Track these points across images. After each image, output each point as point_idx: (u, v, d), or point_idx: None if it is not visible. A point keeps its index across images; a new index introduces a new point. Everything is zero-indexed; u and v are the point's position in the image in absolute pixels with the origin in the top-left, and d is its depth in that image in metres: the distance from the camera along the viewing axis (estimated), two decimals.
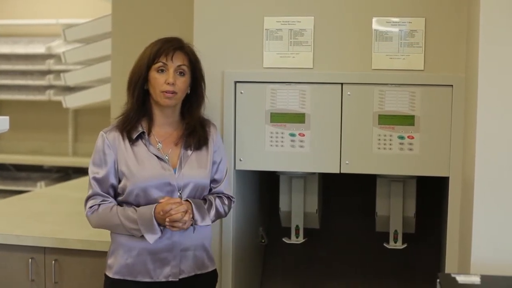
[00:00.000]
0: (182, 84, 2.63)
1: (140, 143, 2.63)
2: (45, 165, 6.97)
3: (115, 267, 2.64)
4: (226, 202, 2.73)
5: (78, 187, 4.82)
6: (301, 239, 3.21)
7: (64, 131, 7.05)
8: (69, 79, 5.84)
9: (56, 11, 6.90)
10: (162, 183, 2.59)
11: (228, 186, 2.77)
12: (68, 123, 7.04)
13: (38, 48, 6.70)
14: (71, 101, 6.08)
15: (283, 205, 3.21)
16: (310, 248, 3.39)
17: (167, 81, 2.59)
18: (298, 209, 3.17)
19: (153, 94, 2.63)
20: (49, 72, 6.65)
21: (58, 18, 6.69)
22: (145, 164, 2.60)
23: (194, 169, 2.64)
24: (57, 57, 6.45)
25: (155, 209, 2.54)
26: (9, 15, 7.08)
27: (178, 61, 2.62)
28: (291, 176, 3.13)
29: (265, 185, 3.35)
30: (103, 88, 5.49)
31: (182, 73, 2.63)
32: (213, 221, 2.68)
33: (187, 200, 2.59)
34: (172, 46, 2.63)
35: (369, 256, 3.41)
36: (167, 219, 2.51)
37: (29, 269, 3.22)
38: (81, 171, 6.70)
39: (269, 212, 3.42)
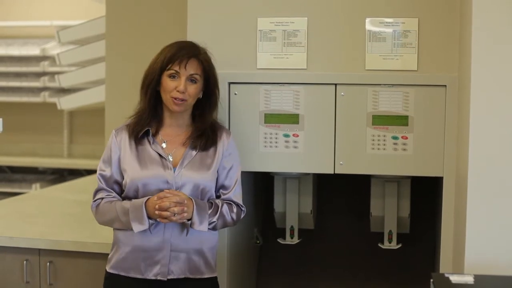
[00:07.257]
0: (193, 90, 2.62)
1: (145, 141, 2.65)
2: (40, 166, 6.96)
3: (112, 262, 2.68)
4: (235, 210, 2.69)
5: (73, 189, 4.82)
6: (295, 240, 3.21)
7: (59, 132, 7.05)
8: (64, 81, 5.83)
9: (51, 13, 6.89)
10: (160, 181, 2.60)
11: (238, 194, 2.72)
12: (63, 125, 7.03)
13: (33, 50, 6.69)
14: (66, 103, 6.07)
15: (277, 206, 3.21)
16: (305, 248, 3.39)
17: (178, 89, 2.59)
18: (293, 210, 3.17)
19: (163, 98, 2.64)
20: (43, 74, 6.64)
21: (52, 20, 6.69)
22: (146, 162, 2.63)
23: (195, 169, 2.63)
24: (51, 59, 6.45)
25: (148, 199, 2.56)
26: (3, 17, 7.07)
27: (191, 69, 2.61)
28: (286, 177, 3.13)
29: (259, 186, 3.34)
30: (97, 90, 5.48)
31: (194, 81, 2.63)
32: (218, 228, 2.67)
33: (190, 199, 2.57)
34: (187, 54, 2.61)
35: (363, 256, 3.41)
36: (156, 206, 2.51)
37: (24, 271, 3.22)
38: (76, 173, 6.71)
39: (264, 213, 3.42)
